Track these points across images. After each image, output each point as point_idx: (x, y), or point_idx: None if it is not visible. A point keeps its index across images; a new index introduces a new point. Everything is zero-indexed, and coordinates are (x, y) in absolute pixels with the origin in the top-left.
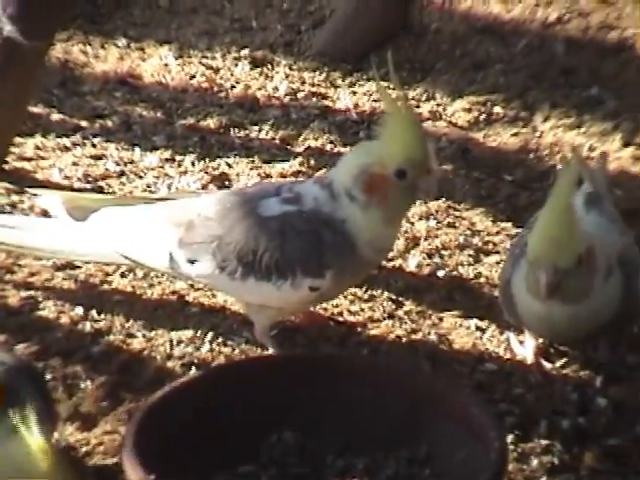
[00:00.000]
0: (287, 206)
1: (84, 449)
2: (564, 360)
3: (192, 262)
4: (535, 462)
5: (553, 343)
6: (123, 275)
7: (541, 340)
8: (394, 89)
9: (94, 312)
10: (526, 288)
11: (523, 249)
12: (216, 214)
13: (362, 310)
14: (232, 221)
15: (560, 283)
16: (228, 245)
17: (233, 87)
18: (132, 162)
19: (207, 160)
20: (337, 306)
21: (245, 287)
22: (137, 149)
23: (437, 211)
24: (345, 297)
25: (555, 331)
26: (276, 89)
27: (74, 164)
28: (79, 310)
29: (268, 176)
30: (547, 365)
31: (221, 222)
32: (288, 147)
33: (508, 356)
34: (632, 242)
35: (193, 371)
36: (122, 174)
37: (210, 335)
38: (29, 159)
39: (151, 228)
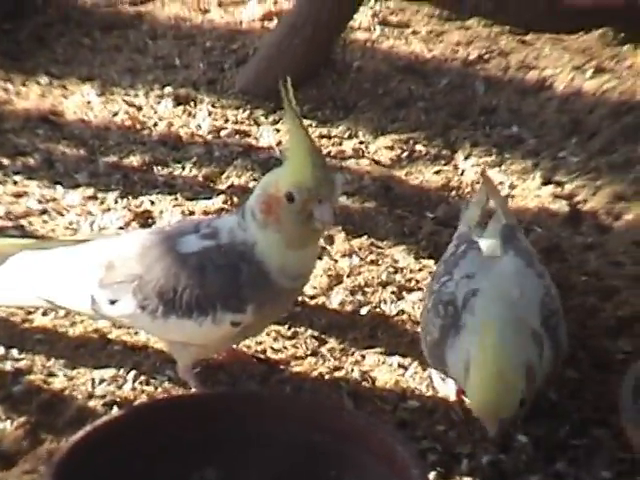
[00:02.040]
0: (205, 242)
1: None
2: None
3: (113, 302)
4: None
5: None
6: (44, 313)
7: None
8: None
9: (15, 351)
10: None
11: (452, 303)
12: (136, 253)
13: (285, 347)
14: (152, 259)
15: (507, 428)
16: (148, 284)
17: (156, 125)
18: (54, 200)
19: (130, 198)
20: (260, 343)
21: (167, 325)
22: (59, 187)
23: (360, 248)
24: (268, 334)
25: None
26: (199, 127)
27: None
28: (0, 349)
29: (191, 213)
30: (469, 402)
31: (141, 261)
32: (211, 185)
33: (430, 393)
34: (550, 282)
35: (115, 410)
36: (44, 212)
37: (132, 374)
38: None
39: (71, 271)
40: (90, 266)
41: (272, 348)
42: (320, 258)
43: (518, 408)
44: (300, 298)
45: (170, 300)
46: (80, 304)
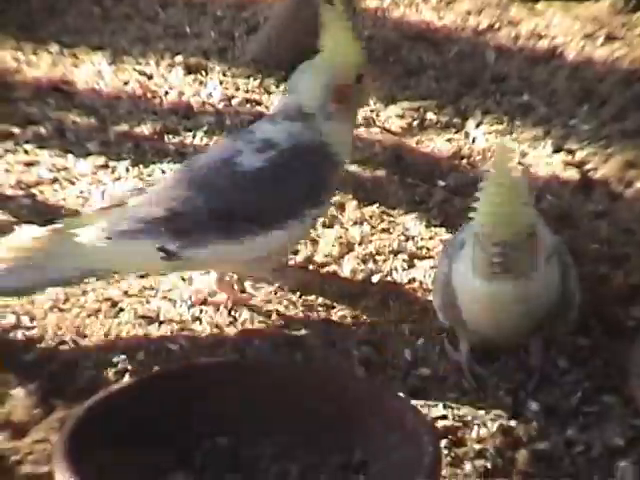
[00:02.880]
0: (266, 153)
1: (14, 458)
2: (497, 365)
3: (196, 245)
4: (468, 466)
5: (487, 345)
6: None
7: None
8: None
9: (26, 319)
10: (473, 270)
11: (462, 244)
12: (197, 191)
13: (296, 316)
14: (224, 190)
15: (511, 257)
16: (233, 214)
17: (167, 93)
18: (65, 169)
19: (141, 167)
20: (270, 312)
21: (257, 244)
22: (70, 156)
23: (371, 216)
24: (279, 302)
25: (498, 319)
26: (210, 95)
27: (6, 171)
28: (11, 318)
29: None
30: (480, 370)
31: (211, 197)
32: None
33: (442, 361)
34: (562, 241)
35: (126, 378)
36: (55, 181)
37: (144, 342)
38: None
39: (133, 235)
40: (151, 222)
41: (283, 316)
42: (331, 226)
43: (524, 238)
44: (311, 266)
45: (259, 219)
46: (152, 262)
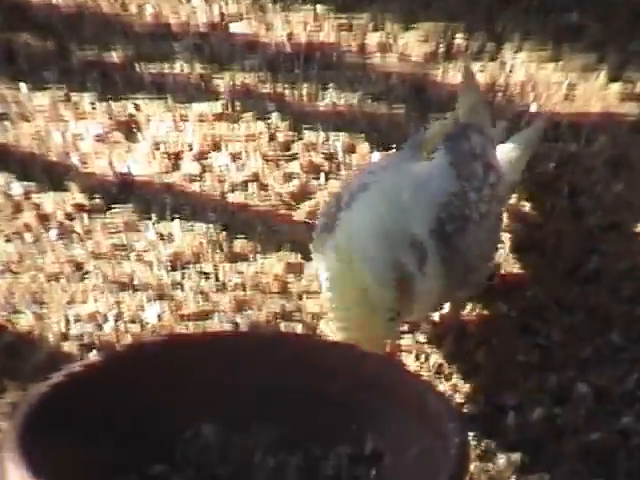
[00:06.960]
0: None
1: None
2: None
3: None
4: (502, 460)
5: None
6: (8, 240)
7: None
8: None
9: None
10: None
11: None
12: None
13: (298, 282)
14: None
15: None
16: None
17: (141, 12)
18: (17, 102)
19: (110, 101)
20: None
21: None
22: (23, 86)
23: None
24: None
25: None
26: (193, 14)
27: None
28: None
29: (184, 119)
30: None
31: None
32: (208, 85)
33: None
34: (479, 187)
35: (94, 354)
36: (5, 117)
37: (114, 311)
38: None
39: None
40: None
41: (281, 281)
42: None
43: (388, 327)
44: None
45: None
46: None
